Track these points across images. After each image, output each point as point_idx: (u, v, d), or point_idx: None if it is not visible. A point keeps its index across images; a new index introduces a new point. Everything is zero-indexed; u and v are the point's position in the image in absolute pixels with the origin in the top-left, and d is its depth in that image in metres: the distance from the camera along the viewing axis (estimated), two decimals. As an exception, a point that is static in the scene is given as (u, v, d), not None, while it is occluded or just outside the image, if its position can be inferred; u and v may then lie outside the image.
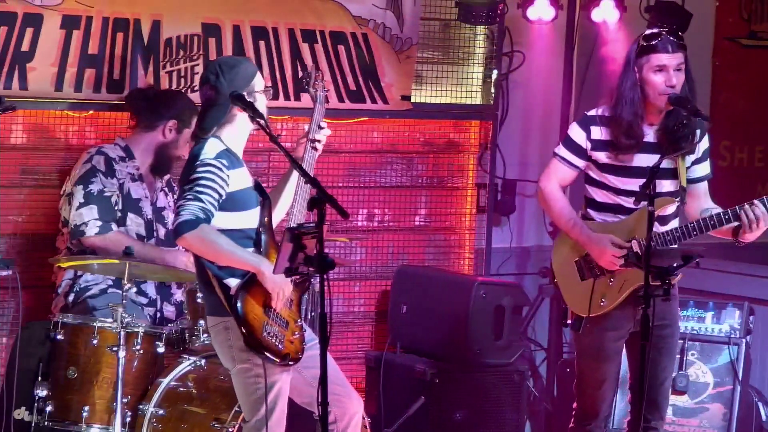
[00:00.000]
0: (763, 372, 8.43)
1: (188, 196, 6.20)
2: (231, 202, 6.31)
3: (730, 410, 8.11)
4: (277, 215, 6.60)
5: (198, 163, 6.28)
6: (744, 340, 8.15)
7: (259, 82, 6.52)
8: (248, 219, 6.40)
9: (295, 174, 6.57)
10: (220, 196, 6.25)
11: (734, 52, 10.04)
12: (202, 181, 6.22)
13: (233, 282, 6.28)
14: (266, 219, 6.45)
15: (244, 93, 6.38)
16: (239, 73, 6.46)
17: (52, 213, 7.79)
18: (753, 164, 10.07)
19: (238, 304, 6.24)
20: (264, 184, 6.56)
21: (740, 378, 8.12)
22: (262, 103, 6.48)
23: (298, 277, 6.25)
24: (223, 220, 6.30)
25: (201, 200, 6.19)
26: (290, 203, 6.64)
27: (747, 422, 8.16)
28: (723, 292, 8.25)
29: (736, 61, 10.01)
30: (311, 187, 6.29)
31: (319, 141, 6.61)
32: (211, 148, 6.33)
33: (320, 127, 6.64)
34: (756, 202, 6.57)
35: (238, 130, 6.48)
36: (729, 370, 8.14)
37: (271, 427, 6.35)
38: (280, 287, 6.30)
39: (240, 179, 6.39)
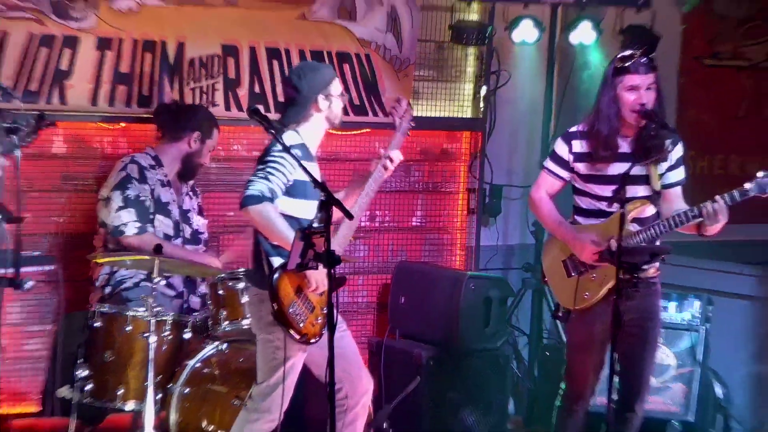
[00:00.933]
0: (719, 355, 8.40)
1: (259, 175, 6.28)
2: (294, 188, 6.35)
3: (690, 389, 8.16)
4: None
5: (275, 148, 6.34)
6: (703, 328, 8.21)
7: (336, 87, 6.57)
8: (305, 209, 6.43)
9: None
10: (288, 180, 6.30)
11: (699, 71, 10.06)
12: (274, 164, 6.29)
13: (278, 261, 6.35)
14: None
15: (322, 95, 6.49)
16: (318, 76, 6.56)
17: (89, 215, 7.84)
18: (713, 172, 10.06)
19: (274, 280, 6.32)
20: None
21: (700, 361, 8.17)
22: (338, 106, 6.59)
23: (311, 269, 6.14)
24: (285, 204, 6.35)
25: (269, 180, 6.27)
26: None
27: (705, 400, 8.19)
28: (685, 284, 8.23)
29: (700, 79, 10.04)
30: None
31: (391, 162, 6.76)
32: (288, 139, 6.35)
33: (396, 153, 6.78)
34: (717, 198, 6.59)
35: (313, 129, 6.57)
36: (690, 354, 8.19)
37: (278, 395, 6.42)
38: (319, 278, 6.39)
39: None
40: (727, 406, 8.34)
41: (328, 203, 5.94)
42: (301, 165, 5.91)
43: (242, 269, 7.39)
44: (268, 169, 6.29)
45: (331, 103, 6.55)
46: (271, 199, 6.27)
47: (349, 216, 6.14)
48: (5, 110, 6.02)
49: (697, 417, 8.15)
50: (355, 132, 8.75)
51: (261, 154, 6.44)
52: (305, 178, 6.19)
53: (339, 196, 6.73)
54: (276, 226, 6.27)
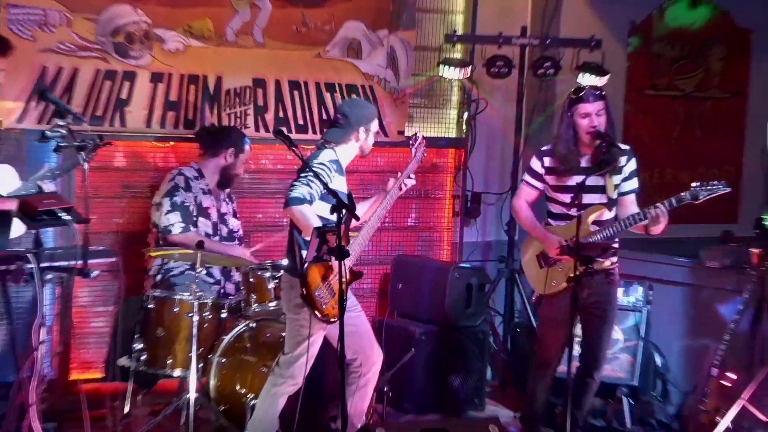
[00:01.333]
0: (658, 331, 8.37)
1: (302, 180, 6.28)
2: (327, 196, 6.27)
3: (635, 359, 8.12)
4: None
5: (316, 161, 6.35)
6: (645, 309, 8.17)
7: (375, 124, 6.61)
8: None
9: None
10: (323, 188, 6.23)
11: (640, 100, 10.00)
12: (314, 174, 6.24)
13: (306, 253, 6.31)
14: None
15: (364, 127, 6.52)
16: (366, 112, 6.61)
17: (144, 217, 7.83)
18: (653, 181, 10.04)
19: (304, 269, 6.28)
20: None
21: (642, 336, 8.14)
22: (371, 140, 6.62)
23: (325, 261, 6.26)
24: (320, 207, 6.30)
25: (310, 186, 6.26)
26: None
27: (647, 368, 8.15)
28: (631, 273, 8.20)
29: (642, 106, 9.98)
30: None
31: (405, 185, 6.77)
32: (326, 155, 6.42)
33: (410, 177, 6.78)
34: (658, 204, 6.70)
35: (348, 151, 6.57)
36: (634, 331, 8.15)
37: (301, 364, 6.45)
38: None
39: (338, 183, 6.44)
40: (665, 372, 8.29)
41: (339, 207, 5.95)
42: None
43: (269, 261, 7.41)
44: (310, 177, 6.27)
45: (368, 136, 6.59)
46: (311, 202, 6.26)
47: (356, 218, 6.29)
48: (76, 132, 6.01)
49: (641, 382, 8.10)
50: (360, 149, 8.66)
51: (305, 162, 6.35)
52: (337, 188, 6.35)
53: (364, 205, 6.82)
54: (312, 225, 6.20)
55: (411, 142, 6.97)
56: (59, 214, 5.46)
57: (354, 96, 8.59)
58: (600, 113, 6.83)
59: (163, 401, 7.38)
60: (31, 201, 5.38)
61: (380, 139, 8.54)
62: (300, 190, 6.22)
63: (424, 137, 7.04)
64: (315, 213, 6.26)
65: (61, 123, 5.71)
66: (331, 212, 5.93)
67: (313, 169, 6.26)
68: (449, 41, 8.97)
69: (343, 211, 5.89)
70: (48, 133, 5.72)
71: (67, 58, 7.63)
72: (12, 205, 5.33)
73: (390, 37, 8.69)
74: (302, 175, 6.30)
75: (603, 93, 6.95)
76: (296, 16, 8.33)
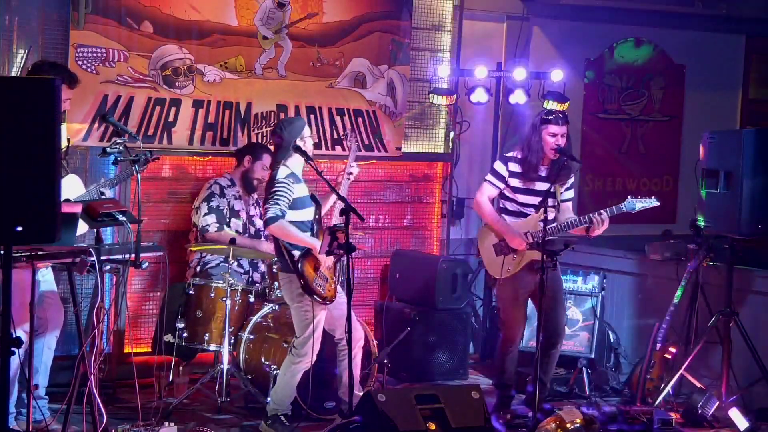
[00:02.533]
0: (612, 313, 8.37)
1: (271, 202, 6.29)
2: (295, 204, 6.34)
3: (592, 336, 8.06)
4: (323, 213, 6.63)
5: (276, 181, 6.34)
6: (600, 294, 8.11)
7: (307, 131, 6.52)
8: (306, 215, 6.43)
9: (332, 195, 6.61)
10: (289, 200, 6.29)
11: (595, 122, 9.95)
12: (279, 192, 6.29)
13: (297, 253, 6.33)
14: (317, 216, 6.47)
15: (298, 138, 6.42)
16: (295, 127, 6.51)
17: (186, 218, 7.77)
18: (605, 189, 10.04)
19: (299, 266, 6.30)
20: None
21: (598, 316, 8.08)
22: (309, 144, 6.52)
23: (336, 254, 6.28)
24: (292, 215, 6.33)
25: (279, 204, 6.26)
26: (329, 209, 6.72)
27: (602, 343, 8.09)
28: (588, 264, 8.21)
29: (596, 127, 9.93)
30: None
31: (351, 174, 6.64)
32: (282, 172, 6.39)
33: (353, 166, 6.67)
34: (602, 211, 6.69)
35: (296, 161, 6.48)
36: (591, 312, 8.09)
37: (311, 343, 6.40)
38: (327, 260, 6.38)
39: (300, 190, 6.42)
40: (617, 347, 8.25)
41: (347, 210, 5.92)
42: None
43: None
44: (276, 197, 6.31)
45: (305, 143, 6.49)
46: (283, 216, 6.27)
47: (361, 219, 6.24)
48: (131, 148, 5.98)
49: (597, 354, 8.04)
50: (365, 163, 8.54)
51: (266, 186, 6.45)
52: (301, 194, 6.39)
53: (326, 200, 6.72)
54: (291, 233, 6.31)
55: (343, 136, 7.01)
56: (117, 216, 5.40)
57: (360, 119, 8.50)
58: (563, 135, 6.81)
59: (201, 371, 7.35)
60: (93, 205, 5.33)
61: (382, 155, 8.65)
62: (273, 210, 6.27)
63: (354, 129, 7.13)
64: (289, 222, 6.31)
65: (119, 141, 5.65)
66: (341, 214, 6.00)
67: (276, 188, 6.30)
68: (438, 74, 8.91)
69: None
70: (108, 149, 5.69)
71: (124, 88, 7.58)
72: (78, 209, 5.27)
73: (389, 71, 8.61)
74: (269, 195, 6.33)
75: (567, 118, 6.94)
76: (313, 54, 8.27)
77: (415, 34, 8.80)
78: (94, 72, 7.45)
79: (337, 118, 8.41)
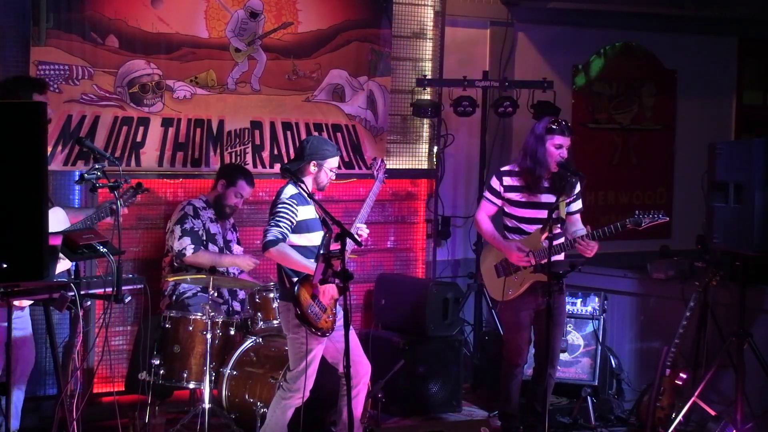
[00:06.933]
0: (612, 336, 8.42)
1: (272, 223, 6.25)
2: (299, 227, 6.31)
3: (594, 362, 8.12)
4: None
5: (279, 201, 6.31)
6: (602, 317, 8.17)
7: (331, 163, 6.43)
8: (311, 239, 6.38)
9: None
10: (292, 223, 6.25)
11: (585, 132, 10.00)
12: (280, 214, 6.25)
13: (296, 278, 6.32)
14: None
15: (314, 161, 6.37)
16: (321, 148, 6.43)
17: (157, 245, 7.77)
18: (597, 203, 10.10)
19: (295, 290, 6.28)
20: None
21: (600, 341, 8.14)
22: (323, 175, 6.44)
23: (330, 282, 6.19)
24: (295, 239, 6.31)
25: (279, 226, 6.22)
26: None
27: (604, 369, 8.14)
28: (588, 285, 8.24)
29: (586, 137, 9.97)
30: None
31: (371, 206, 6.70)
32: (288, 191, 6.35)
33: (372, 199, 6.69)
34: (599, 228, 6.73)
35: (306, 182, 6.40)
36: (593, 336, 8.15)
37: (303, 379, 6.36)
38: (327, 287, 6.36)
39: (306, 212, 6.38)
40: (619, 372, 8.31)
41: (343, 235, 5.90)
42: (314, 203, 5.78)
43: (273, 282, 7.29)
44: (277, 218, 6.26)
45: (319, 171, 6.43)
46: (284, 239, 6.22)
47: (359, 244, 6.25)
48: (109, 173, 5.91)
49: (599, 381, 8.10)
50: (345, 181, 8.63)
51: (272, 204, 6.36)
52: (307, 217, 6.34)
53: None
54: (292, 258, 6.26)
55: (372, 164, 6.92)
56: (97, 247, 5.35)
57: (339, 134, 8.54)
58: (568, 147, 6.86)
59: (176, 410, 7.31)
60: (72, 236, 5.28)
61: (363, 172, 8.63)
62: (272, 233, 6.20)
63: (383, 160, 7.02)
64: (291, 244, 6.26)
65: (97, 166, 5.62)
66: (336, 240, 5.90)
67: (278, 209, 6.25)
68: (420, 85, 8.99)
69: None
70: (86, 175, 5.63)
71: (89, 107, 7.57)
72: (58, 241, 5.23)
73: (369, 83, 8.64)
74: (271, 217, 6.28)
75: (572, 129, 6.99)
76: (288, 67, 8.29)
77: (395, 42, 8.87)
78: (57, 91, 7.42)
79: (315, 134, 8.35)
